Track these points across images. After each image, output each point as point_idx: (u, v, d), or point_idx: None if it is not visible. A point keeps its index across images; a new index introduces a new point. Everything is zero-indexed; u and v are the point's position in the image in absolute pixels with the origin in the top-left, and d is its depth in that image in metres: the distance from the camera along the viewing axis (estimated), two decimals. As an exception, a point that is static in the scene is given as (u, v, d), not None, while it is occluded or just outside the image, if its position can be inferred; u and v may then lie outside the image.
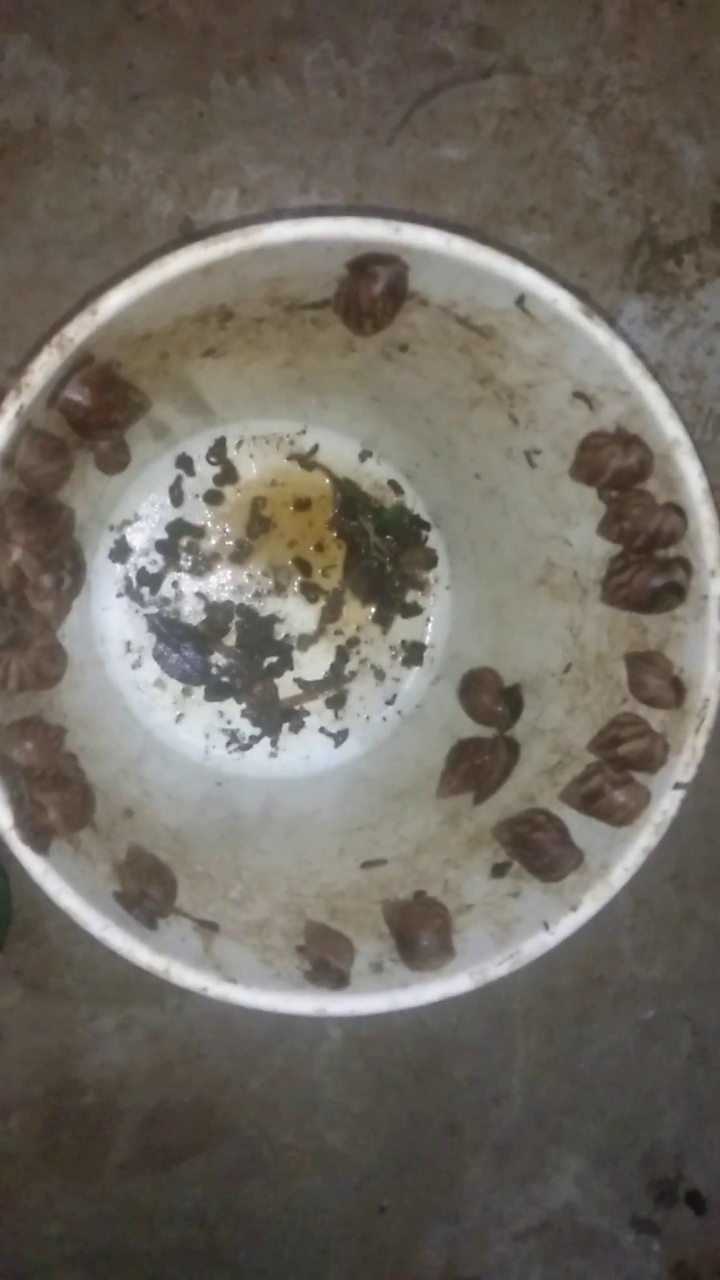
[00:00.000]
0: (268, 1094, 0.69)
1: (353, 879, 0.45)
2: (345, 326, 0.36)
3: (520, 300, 0.35)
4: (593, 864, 0.38)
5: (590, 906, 0.37)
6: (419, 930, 0.37)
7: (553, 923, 0.37)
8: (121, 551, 0.63)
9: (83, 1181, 0.67)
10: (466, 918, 0.39)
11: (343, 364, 0.48)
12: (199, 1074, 0.68)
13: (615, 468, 0.38)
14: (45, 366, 0.31)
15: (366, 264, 0.34)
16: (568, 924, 0.37)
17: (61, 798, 0.34)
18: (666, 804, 0.37)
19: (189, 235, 0.63)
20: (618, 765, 0.38)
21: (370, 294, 0.34)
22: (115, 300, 0.31)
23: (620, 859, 0.37)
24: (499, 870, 0.41)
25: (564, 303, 0.34)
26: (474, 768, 0.47)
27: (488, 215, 0.66)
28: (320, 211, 0.64)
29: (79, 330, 0.31)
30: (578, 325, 0.35)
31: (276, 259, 0.33)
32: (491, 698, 0.52)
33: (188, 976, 0.34)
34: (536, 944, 0.37)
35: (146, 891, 0.35)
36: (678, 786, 0.37)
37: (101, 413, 0.33)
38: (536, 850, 0.39)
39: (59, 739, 0.36)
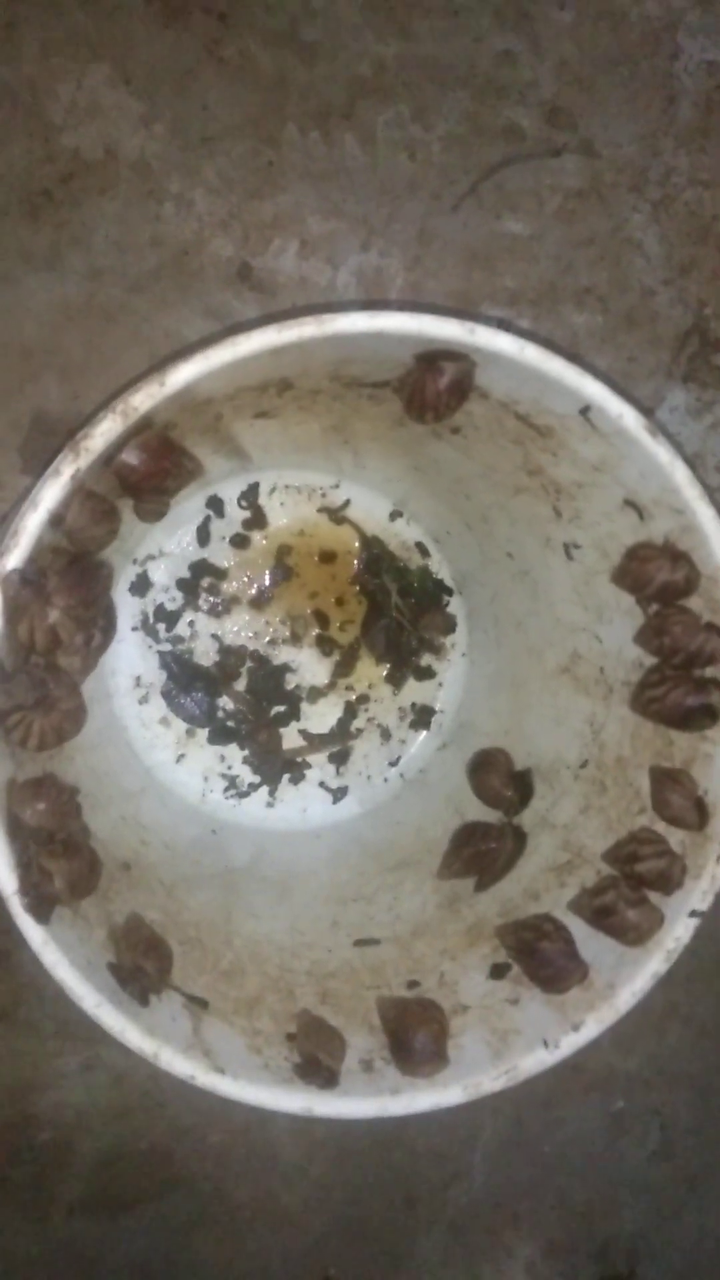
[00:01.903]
0: (226, 1148, 0.67)
1: (345, 957, 0.44)
2: (406, 414, 0.36)
3: (585, 410, 0.35)
4: (598, 981, 0.38)
5: (593, 1028, 0.36)
6: (414, 1032, 0.36)
7: (553, 1041, 0.36)
8: (142, 585, 0.63)
9: (29, 1219, 0.66)
10: (462, 1020, 0.38)
11: (390, 435, 0.48)
12: (159, 1121, 0.66)
13: (661, 581, 0.37)
14: (107, 433, 0.30)
15: (435, 358, 0.34)
16: (569, 1044, 0.36)
17: (69, 866, 0.33)
18: (680, 930, 0.36)
19: (265, 318, 0.63)
20: (633, 882, 0.38)
21: (436, 387, 0.34)
22: (185, 373, 0.30)
23: (628, 982, 0.36)
24: (498, 971, 0.41)
25: (629, 419, 0.34)
26: (478, 854, 0.47)
27: (543, 291, 0.66)
28: (379, 274, 0.64)
29: (145, 400, 0.30)
30: (640, 442, 0.34)
31: (347, 345, 0.32)
32: (501, 780, 0.52)
33: (176, 1063, 0.33)
34: (535, 1061, 0.36)
35: (142, 966, 0.34)
36: (694, 914, 0.36)
37: (156, 478, 0.33)
38: (541, 959, 0.38)
39: (71, 801, 0.35)
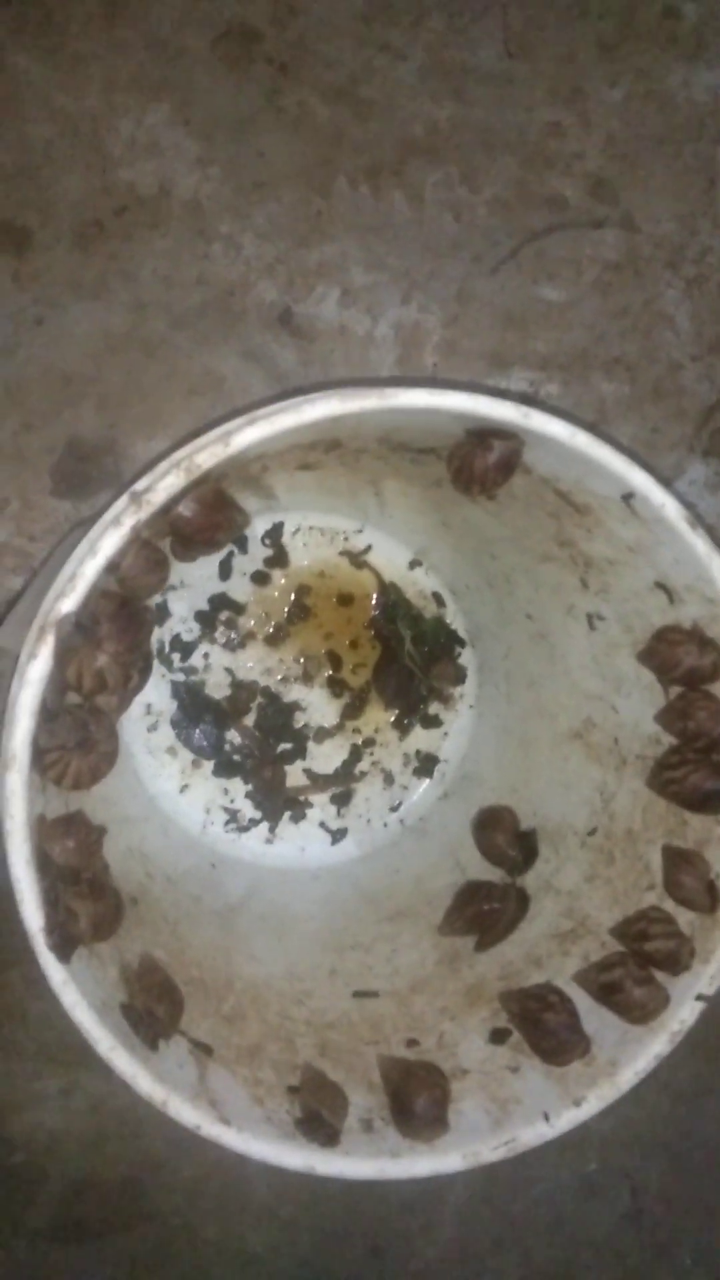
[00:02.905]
0: (198, 1184, 0.67)
1: (343, 1009, 0.44)
2: (453, 485, 0.37)
3: (628, 496, 0.36)
4: (600, 1057, 0.38)
5: (594, 1105, 0.37)
6: (416, 1095, 0.36)
7: (553, 1115, 0.37)
8: (160, 614, 0.63)
9: (-7, 1243, 0.65)
10: (462, 1085, 0.38)
11: (423, 493, 0.48)
12: (133, 1152, 0.66)
13: (688, 666, 0.38)
14: (169, 487, 0.31)
15: (486, 435, 0.35)
16: (569, 1118, 0.37)
17: (95, 908, 0.33)
18: (685, 1013, 0.37)
19: (325, 384, 0.64)
20: (641, 960, 0.38)
21: (485, 463, 0.35)
22: (249, 436, 0.31)
23: (631, 1061, 0.37)
24: (498, 1036, 0.41)
25: (670, 509, 0.35)
26: (481, 913, 0.47)
27: (574, 358, 0.68)
28: (416, 328, 0.65)
29: (209, 459, 0.31)
30: (680, 532, 0.35)
31: (404, 417, 0.33)
32: (506, 839, 0.52)
33: (184, 1112, 0.33)
34: (534, 1134, 0.37)
35: (154, 1011, 0.35)
36: (700, 998, 0.37)
37: (208, 531, 0.33)
38: (545, 1031, 0.38)
39: (99, 841, 0.36)
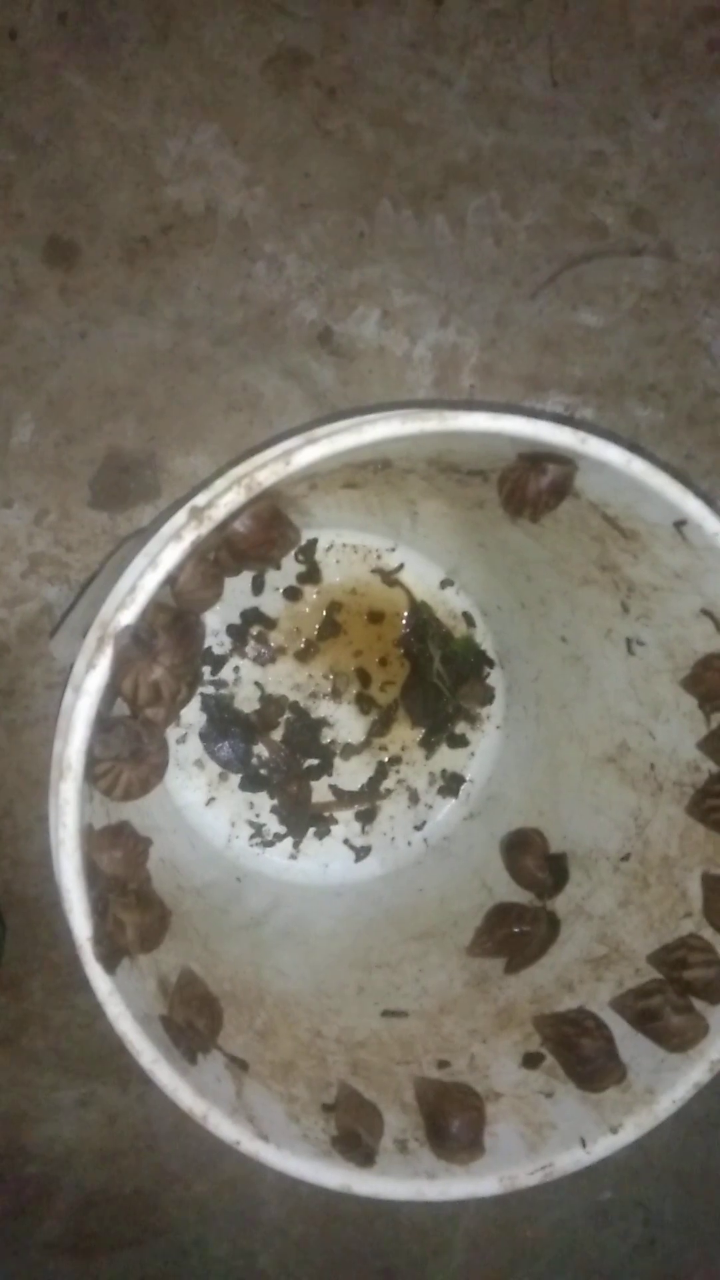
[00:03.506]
0: (211, 1201, 0.67)
1: (373, 1028, 0.44)
2: (504, 508, 0.37)
3: (680, 523, 0.36)
4: (637, 1085, 0.38)
5: (631, 1132, 0.36)
6: (452, 1117, 0.36)
7: (590, 1141, 0.36)
8: (193, 628, 0.63)
9: (4, 1252, 0.65)
10: (495, 1108, 0.38)
11: (464, 514, 0.49)
12: (147, 1166, 0.66)
13: (732, 695, 0.38)
14: (230, 504, 0.31)
15: (539, 459, 0.35)
16: (605, 1145, 0.36)
17: (141, 919, 0.33)
18: (725, 1042, 0.37)
19: (385, 405, 0.64)
20: (680, 988, 0.38)
21: (538, 487, 0.35)
22: (310, 455, 0.32)
23: (669, 1090, 0.37)
24: (531, 1060, 0.41)
25: (724, 537, 0.36)
26: (511, 936, 0.47)
27: (610, 383, 0.68)
28: (454, 350, 0.66)
29: (270, 476, 0.31)
30: (731, 560, 0.36)
31: (459, 439, 0.34)
32: (536, 861, 0.52)
33: (223, 1127, 0.33)
34: (571, 1160, 0.36)
35: (194, 1024, 0.35)
36: (740, 1028, 0.37)
37: (263, 547, 0.34)
38: (580, 1056, 0.38)
39: (145, 852, 0.36)
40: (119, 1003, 0.32)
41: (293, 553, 0.64)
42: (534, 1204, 0.70)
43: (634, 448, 0.37)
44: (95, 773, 0.33)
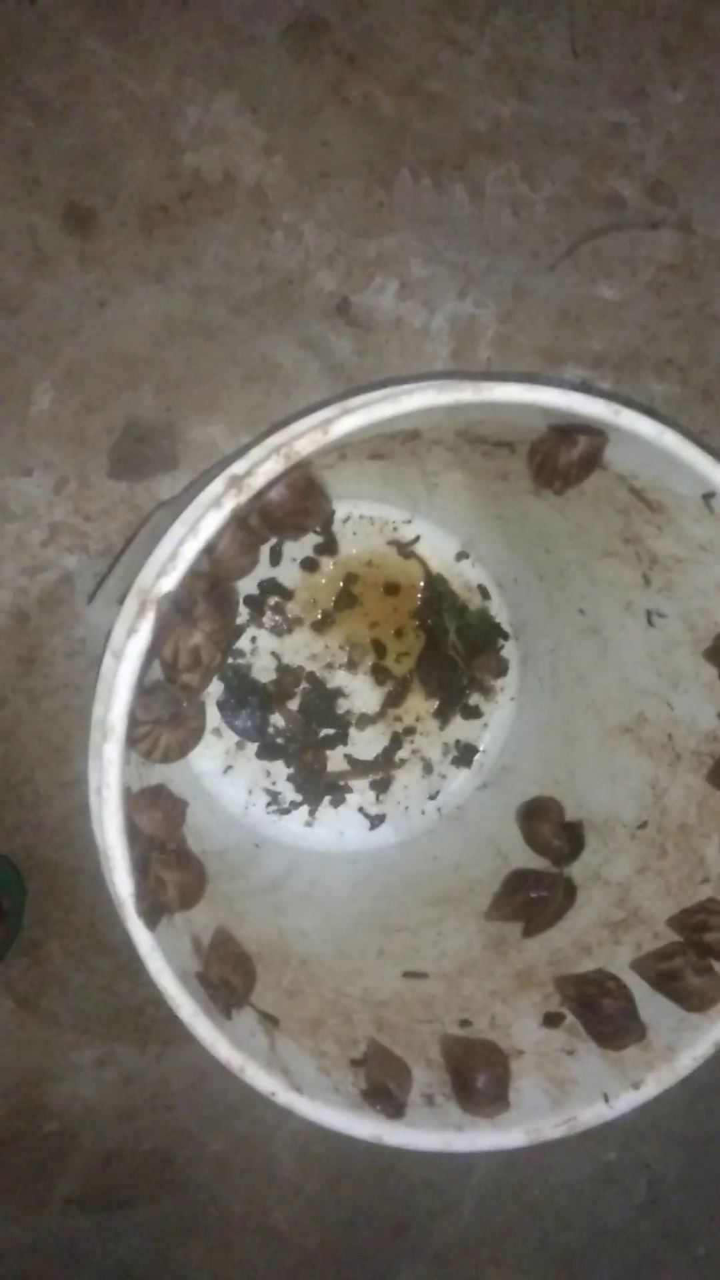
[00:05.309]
0: (226, 1158, 0.68)
1: (395, 988, 0.45)
2: (534, 480, 0.38)
3: (710, 495, 0.37)
4: (657, 1042, 0.39)
5: (653, 1088, 0.38)
6: (478, 1071, 0.37)
7: (613, 1096, 0.38)
8: (210, 598, 0.64)
9: (25, 1207, 0.66)
10: (519, 1064, 0.39)
11: (486, 486, 0.49)
12: (164, 1125, 0.67)
13: (755, 665, 0.39)
14: (269, 472, 0.32)
15: (570, 431, 0.36)
16: (628, 1100, 0.38)
17: (181, 877, 0.34)
18: (743, 1002, 0.38)
19: (420, 376, 0.64)
20: (700, 950, 0.39)
21: (569, 458, 0.36)
22: (347, 424, 0.32)
23: (690, 1047, 0.38)
24: (552, 1020, 0.42)
25: (751, 509, 0.36)
26: (529, 901, 0.48)
27: (626, 357, 0.68)
28: (472, 322, 0.66)
29: (308, 445, 0.32)
30: (758, 532, 0.36)
31: (492, 411, 0.34)
32: (552, 829, 0.53)
33: (260, 1078, 0.34)
34: (594, 1114, 0.38)
35: (230, 980, 0.36)
36: (759, 988, 0.38)
37: (298, 516, 0.34)
38: (602, 1016, 0.39)
39: (183, 813, 0.36)
40: (160, 958, 0.33)
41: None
42: (541, 1164, 0.72)
43: (661, 419, 0.37)
44: (134, 735, 0.34)
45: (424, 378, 0.54)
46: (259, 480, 0.32)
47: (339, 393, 0.64)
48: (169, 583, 0.31)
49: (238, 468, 0.33)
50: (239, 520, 0.33)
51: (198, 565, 0.32)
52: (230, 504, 0.31)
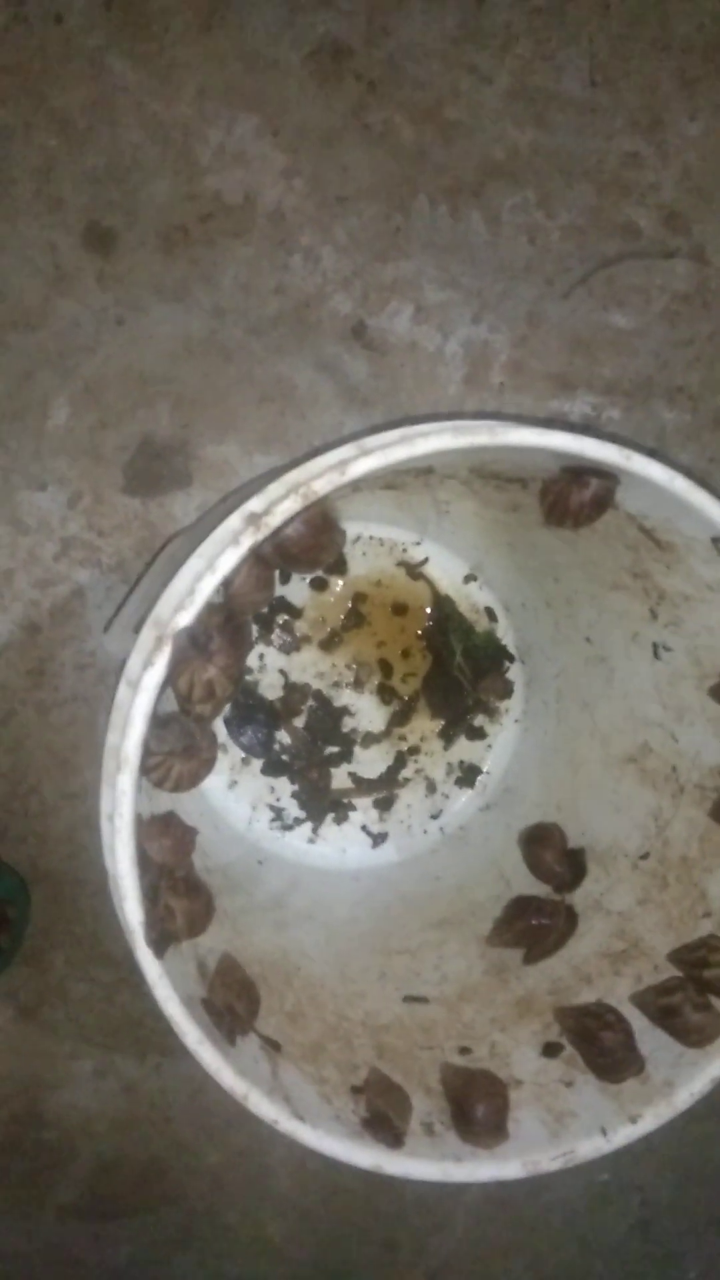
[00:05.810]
0: (222, 1170, 0.69)
1: (396, 1012, 0.45)
2: (545, 519, 0.38)
3: (717, 539, 0.37)
4: (655, 1077, 0.39)
5: (650, 1122, 0.38)
6: (477, 1102, 0.38)
7: (610, 1130, 0.38)
8: (220, 615, 0.64)
9: (20, 1215, 0.67)
10: (517, 1095, 0.40)
11: (497, 517, 0.50)
12: (161, 1135, 0.68)
13: (759, 705, 0.40)
14: (286, 511, 0.32)
15: (582, 472, 0.36)
16: (625, 1134, 0.38)
17: (189, 905, 0.35)
18: (741, 1039, 0.38)
19: (434, 415, 0.65)
20: (699, 987, 0.40)
21: (580, 499, 0.36)
22: (363, 466, 0.33)
23: (688, 1083, 0.38)
24: (550, 1050, 0.42)
25: (760, 555, 0.37)
26: (530, 928, 0.49)
27: (639, 384, 0.69)
28: (485, 347, 0.67)
29: (325, 485, 0.32)
30: (766, 577, 0.37)
31: (506, 452, 0.35)
32: (554, 856, 0.54)
33: (263, 1106, 0.35)
34: (591, 1148, 0.38)
35: (234, 1007, 0.36)
36: (757, 1026, 0.38)
37: (313, 551, 0.35)
38: (601, 1048, 0.40)
39: (192, 840, 0.37)
40: (167, 986, 0.33)
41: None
42: (534, 1183, 0.72)
43: (661, 457, 0.37)
44: (148, 765, 0.34)
45: (438, 417, 0.55)
46: (277, 519, 0.32)
47: (352, 414, 0.64)
48: (186, 618, 0.32)
49: (255, 505, 0.33)
50: (256, 556, 0.33)
51: (213, 598, 0.33)
52: (248, 541, 0.32)
